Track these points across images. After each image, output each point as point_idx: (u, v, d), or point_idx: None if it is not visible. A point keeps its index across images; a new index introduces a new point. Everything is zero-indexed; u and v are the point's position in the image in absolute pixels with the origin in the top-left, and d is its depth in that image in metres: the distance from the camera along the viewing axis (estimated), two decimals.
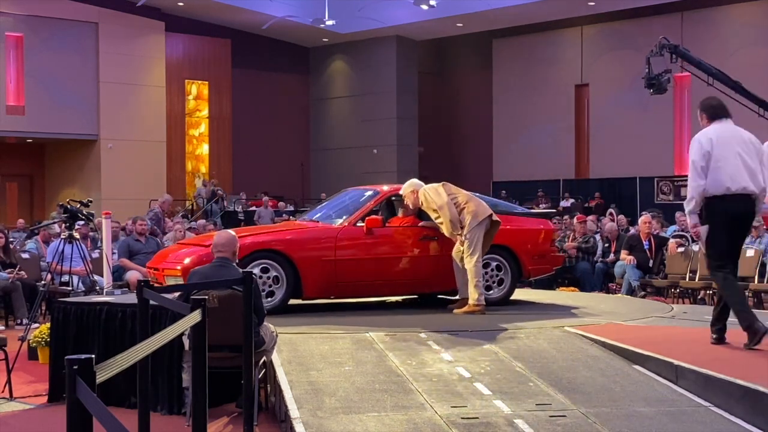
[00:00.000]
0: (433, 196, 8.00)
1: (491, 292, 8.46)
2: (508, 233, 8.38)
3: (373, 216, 8.17)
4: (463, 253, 7.94)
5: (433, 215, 8.08)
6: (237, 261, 6.16)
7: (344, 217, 8.21)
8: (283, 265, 7.66)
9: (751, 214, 6.21)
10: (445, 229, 7.99)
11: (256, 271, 7.47)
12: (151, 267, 7.96)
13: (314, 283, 7.81)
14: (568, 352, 6.28)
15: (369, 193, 8.61)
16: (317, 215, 8.79)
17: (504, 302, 8.43)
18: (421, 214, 8.59)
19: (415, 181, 8.37)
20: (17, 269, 11.04)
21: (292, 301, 7.82)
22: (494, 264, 8.48)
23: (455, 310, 7.93)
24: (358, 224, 8.10)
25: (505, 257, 8.52)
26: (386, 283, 8.26)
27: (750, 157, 6.14)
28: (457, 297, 8.51)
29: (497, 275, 8.51)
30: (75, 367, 2.30)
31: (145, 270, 10.76)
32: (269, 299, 7.58)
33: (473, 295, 7.82)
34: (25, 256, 12.08)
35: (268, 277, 7.63)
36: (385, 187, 8.73)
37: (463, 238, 7.90)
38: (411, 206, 8.26)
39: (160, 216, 14.83)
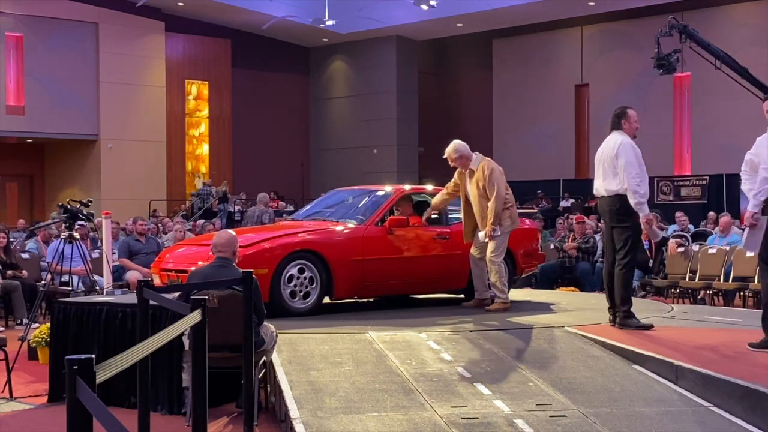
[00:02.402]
0: (498, 176, 8.03)
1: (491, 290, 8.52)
2: (513, 233, 8.49)
3: (396, 216, 8.26)
4: (488, 252, 7.98)
5: (475, 191, 8.01)
6: (237, 261, 6.15)
7: (359, 217, 8.19)
8: (317, 265, 7.60)
9: (605, 213, 7.19)
10: (478, 212, 7.97)
11: (294, 271, 7.46)
12: (169, 269, 7.61)
13: (345, 283, 7.78)
14: (568, 352, 6.28)
15: (380, 192, 8.66)
16: (307, 215, 8.79)
17: None
18: (422, 213, 8.61)
19: (463, 143, 8.32)
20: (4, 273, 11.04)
21: None
22: None
23: (487, 308, 7.96)
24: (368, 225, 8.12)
25: (504, 256, 8.60)
26: (405, 282, 8.32)
27: (607, 163, 7.07)
28: (453, 296, 8.53)
29: (481, 271, 8.64)
30: (75, 367, 2.30)
31: (146, 270, 10.80)
32: (305, 300, 7.55)
33: (502, 293, 7.97)
34: (25, 256, 12.08)
35: (305, 278, 7.56)
36: (389, 188, 8.82)
37: (493, 235, 7.90)
38: (459, 167, 8.21)
39: (258, 214, 14.88)
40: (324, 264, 7.64)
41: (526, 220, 9.66)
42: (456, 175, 8.33)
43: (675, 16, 22.54)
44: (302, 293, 7.53)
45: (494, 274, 7.98)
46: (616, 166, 6.99)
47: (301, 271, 7.52)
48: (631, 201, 6.94)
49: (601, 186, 7.18)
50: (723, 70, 16.62)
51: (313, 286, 7.61)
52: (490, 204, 7.92)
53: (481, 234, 8.00)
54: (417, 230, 8.35)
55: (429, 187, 9.26)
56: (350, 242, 7.88)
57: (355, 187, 9.70)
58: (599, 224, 15.00)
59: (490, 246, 7.96)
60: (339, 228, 8.04)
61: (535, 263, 9.55)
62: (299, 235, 7.79)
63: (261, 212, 15.23)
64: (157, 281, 7.57)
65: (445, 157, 8.27)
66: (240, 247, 7.35)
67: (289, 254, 7.45)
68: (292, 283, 7.47)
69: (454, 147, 8.22)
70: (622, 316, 6.98)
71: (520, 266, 8.94)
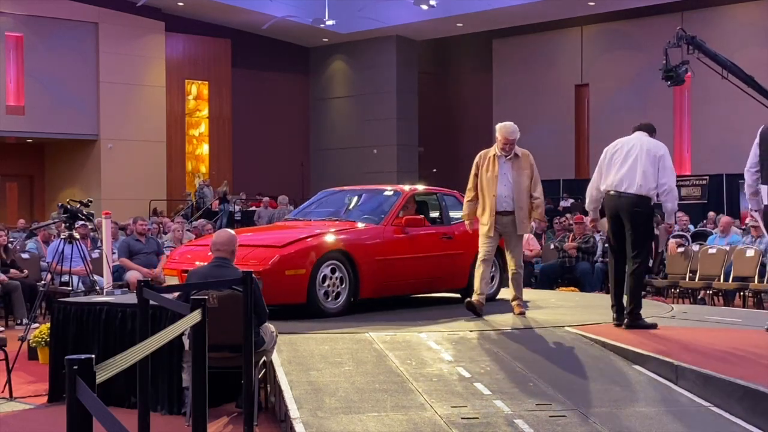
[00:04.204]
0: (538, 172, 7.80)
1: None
2: None
3: (413, 215, 8.26)
4: (517, 256, 7.70)
5: (520, 179, 7.55)
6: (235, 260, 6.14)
7: (372, 217, 8.19)
8: (345, 265, 7.57)
9: (626, 212, 6.93)
10: (524, 201, 7.52)
11: (327, 271, 7.43)
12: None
13: (370, 282, 7.76)
14: (568, 352, 6.28)
15: (388, 192, 8.67)
16: (308, 215, 8.73)
17: (494, 299, 8.57)
18: (422, 212, 8.61)
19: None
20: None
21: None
22: None
23: (520, 311, 7.64)
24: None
25: (495, 255, 8.67)
26: (417, 281, 8.34)
27: (648, 161, 6.88)
28: (453, 295, 8.51)
29: (490, 272, 8.64)
30: (75, 367, 2.30)
31: (146, 270, 10.80)
32: (336, 300, 7.52)
33: (520, 295, 7.75)
34: (25, 256, 12.08)
35: (336, 278, 7.52)
36: (389, 187, 8.88)
37: (517, 238, 7.66)
38: (506, 151, 7.58)
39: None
40: (352, 264, 7.61)
41: None
42: (484, 161, 7.68)
43: (675, 16, 22.54)
44: (334, 293, 7.51)
45: (519, 278, 7.73)
46: (657, 167, 6.89)
47: (332, 271, 7.49)
48: (671, 205, 6.98)
49: (630, 183, 6.91)
50: (729, 80, 16.60)
51: (343, 286, 7.56)
52: (539, 197, 7.66)
53: (534, 224, 7.84)
54: (426, 230, 8.37)
55: (420, 187, 9.23)
56: (373, 242, 7.87)
57: (347, 188, 9.65)
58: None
59: (520, 247, 7.73)
60: (358, 228, 7.99)
61: None
62: (330, 235, 7.70)
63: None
64: (175, 282, 7.44)
65: (499, 137, 7.60)
66: (276, 247, 7.29)
67: (324, 254, 7.41)
68: (326, 284, 7.43)
69: (515, 128, 7.66)
70: (632, 317, 6.95)
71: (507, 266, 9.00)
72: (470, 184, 7.78)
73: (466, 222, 7.85)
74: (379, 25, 27.40)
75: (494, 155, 7.67)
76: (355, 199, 8.93)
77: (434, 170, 29.32)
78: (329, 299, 7.45)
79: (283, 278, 7.13)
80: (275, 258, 7.16)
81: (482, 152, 7.81)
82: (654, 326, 7.02)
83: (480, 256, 7.73)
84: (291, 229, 8.18)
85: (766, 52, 23.23)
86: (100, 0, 25.18)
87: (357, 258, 7.62)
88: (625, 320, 6.99)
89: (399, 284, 8.19)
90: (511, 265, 7.74)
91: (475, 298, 7.66)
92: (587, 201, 7.39)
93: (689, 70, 16.69)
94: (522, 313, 7.63)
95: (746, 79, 16.81)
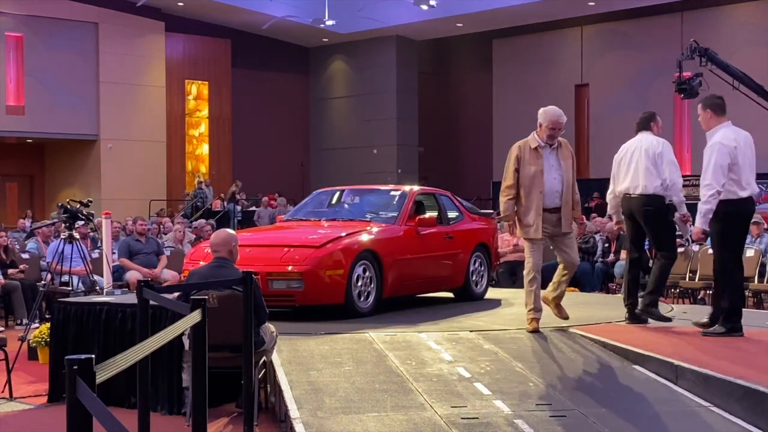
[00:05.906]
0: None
1: (478, 287, 8.69)
2: (489, 231, 8.67)
3: (427, 215, 8.31)
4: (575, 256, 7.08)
5: (568, 170, 6.82)
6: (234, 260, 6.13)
7: (386, 216, 8.21)
8: (374, 265, 7.59)
9: (639, 212, 7.08)
10: (567, 195, 6.76)
11: (359, 271, 7.44)
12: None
13: (393, 282, 7.79)
14: (568, 352, 6.28)
15: (396, 193, 8.69)
16: (313, 215, 8.68)
17: (482, 298, 8.66)
18: (423, 214, 8.62)
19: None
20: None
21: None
22: (478, 261, 8.71)
23: (566, 318, 6.97)
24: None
25: (484, 254, 8.83)
26: (424, 281, 8.39)
27: (649, 161, 7.02)
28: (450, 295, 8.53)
29: (480, 271, 8.74)
30: (75, 367, 2.30)
31: (146, 270, 10.81)
32: (367, 300, 7.52)
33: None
34: (25, 256, 12.08)
35: (368, 278, 7.53)
36: (386, 187, 9.06)
37: (569, 237, 6.96)
38: (552, 139, 6.78)
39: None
40: (379, 264, 7.62)
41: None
42: (524, 153, 6.84)
43: (675, 17, 22.50)
44: (365, 293, 7.51)
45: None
46: (659, 165, 7.04)
47: (364, 271, 7.50)
48: (677, 198, 7.12)
49: (636, 186, 7.08)
50: (741, 90, 16.59)
51: (372, 286, 7.57)
52: (577, 193, 6.95)
53: (574, 225, 7.07)
54: (432, 230, 8.39)
55: (416, 188, 9.24)
56: (394, 241, 7.90)
57: (341, 187, 9.60)
58: (601, 222, 14.99)
59: (575, 246, 7.12)
60: (377, 228, 7.96)
61: (498, 261, 10.14)
62: (360, 235, 7.66)
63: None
64: None
65: (545, 123, 6.79)
66: (313, 247, 7.28)
67: (358, 254, 7.41)
68: (359, 284, 7.44)
69: (561, 111, 6.87)
70: (646, 302, 7.07)
71: (493, 263, 9.25)
72: (511, 180, 6.81)
73: (507, 225, 7.10)
74: (379, 25, 27.39)
75: (536, 146, 6.82)
76: (357, 198, 8.93)
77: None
78: (361, 299, 7.45)
79: (324, 279, 7.14)
80: (316, 258, 7.14)
81: (520, 143, 6.96)
82: (669, 320, 7.17)
83: (528, 268, 6.76)
84: (302, 229, 8.10)
85: (766, 53, 23.21)
86: (100, 0, 25.17)
87: (383, 258, 7.64)
88: (638, 307, 7.10)
89: (412, 284, 8.23)
90: (567, 268, 6.96)
91: (533, 320, 6.76)
92: (608, 207, 7.68)
93: (703, 82, 16.64)
94: (566, 317, 6.97)
95: (756, 88, 16.82)
